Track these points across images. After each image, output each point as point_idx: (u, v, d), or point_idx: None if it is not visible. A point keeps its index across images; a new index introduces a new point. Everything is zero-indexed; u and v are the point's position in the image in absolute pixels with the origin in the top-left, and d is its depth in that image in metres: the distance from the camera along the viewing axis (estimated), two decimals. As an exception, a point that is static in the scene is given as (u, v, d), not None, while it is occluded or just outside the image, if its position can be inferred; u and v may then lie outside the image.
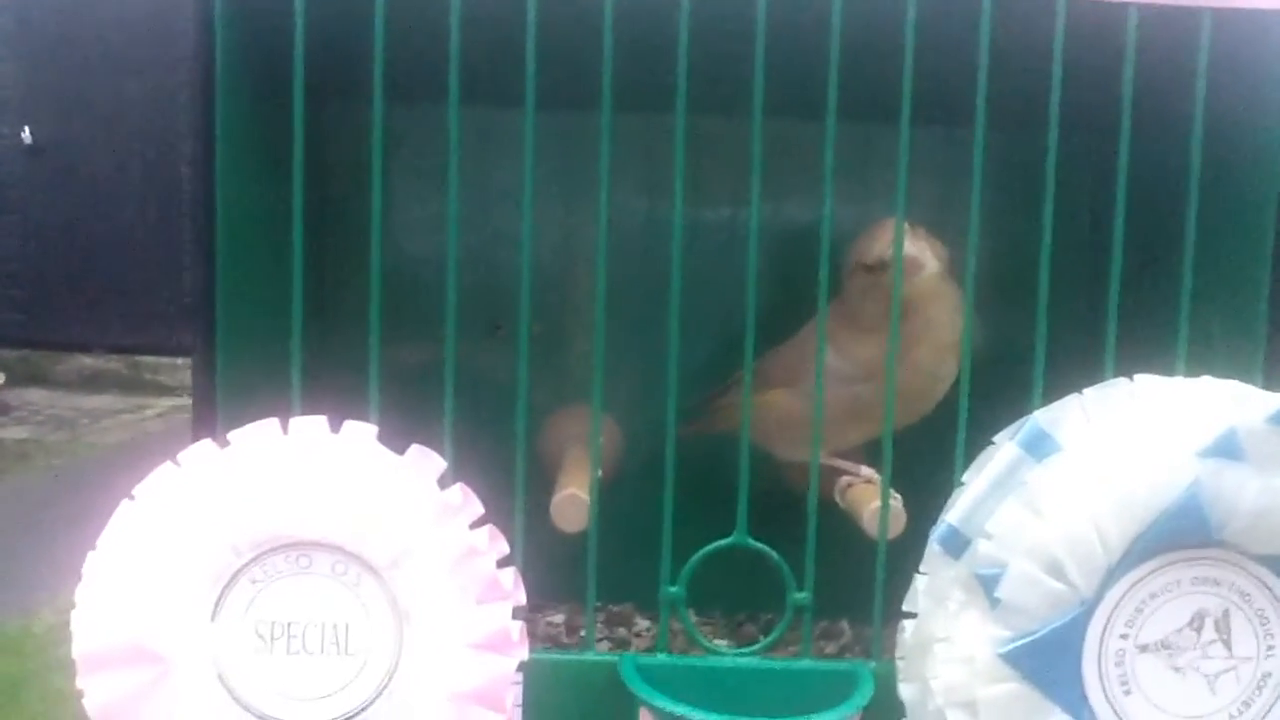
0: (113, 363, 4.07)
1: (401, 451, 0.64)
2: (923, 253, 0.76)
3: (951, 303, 0.78)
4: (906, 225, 0.75)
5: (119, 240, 4.02)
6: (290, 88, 0.66)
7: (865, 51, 0.67)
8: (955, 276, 0.77)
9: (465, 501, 0.64)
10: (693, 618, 0.94)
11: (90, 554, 0.61)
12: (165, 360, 3.87)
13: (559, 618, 0.94)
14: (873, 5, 0.67)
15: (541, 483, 0.78)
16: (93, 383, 4.07)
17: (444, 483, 0.64)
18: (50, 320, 4.14)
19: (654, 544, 0.70)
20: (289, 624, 0.62)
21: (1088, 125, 0.73)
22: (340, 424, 0.64)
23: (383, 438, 0.64)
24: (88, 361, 4.10)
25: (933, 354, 0.78)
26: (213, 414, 0.70)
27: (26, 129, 4.10)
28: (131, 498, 0.62)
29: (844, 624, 0.94)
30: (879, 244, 0.77)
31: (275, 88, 0.67)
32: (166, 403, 3.70)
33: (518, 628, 0.63)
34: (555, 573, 0.77)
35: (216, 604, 0.62)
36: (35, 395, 3.98)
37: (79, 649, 0.60)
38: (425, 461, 0.64)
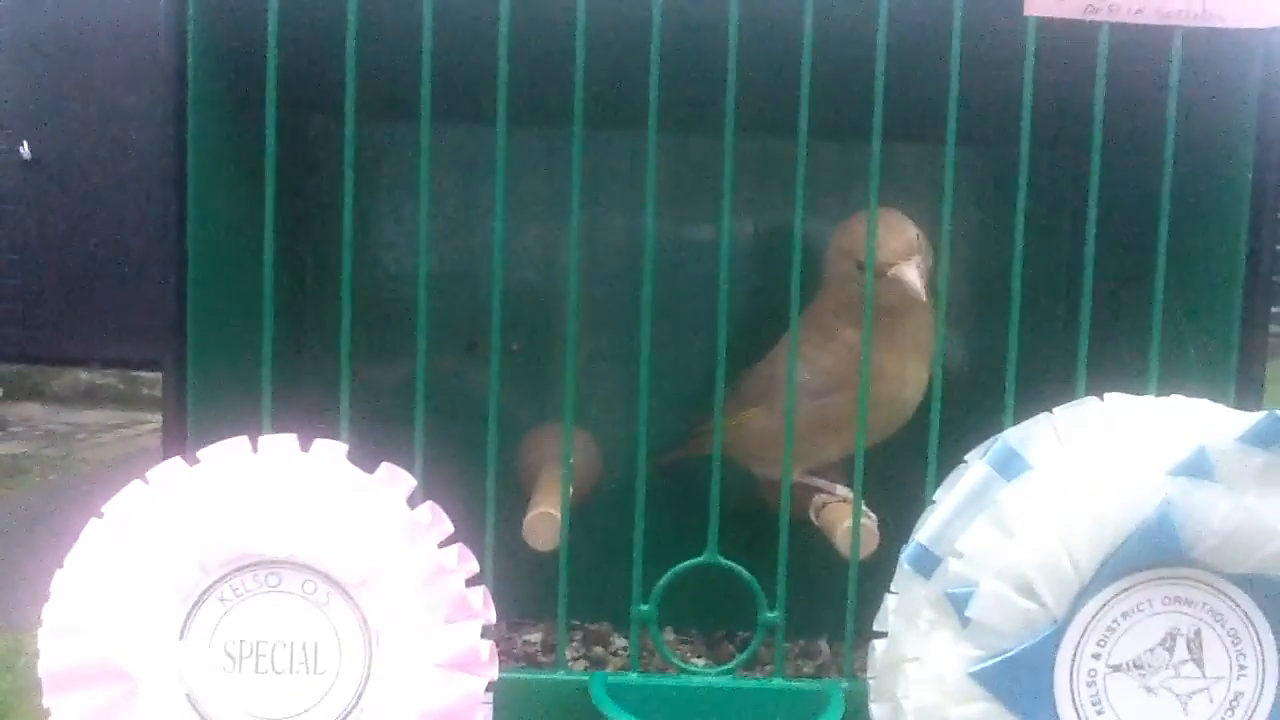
0: (109, 378, 4.06)
1: (374, 469, 0.64)
2: (917, 280, 0.75)
3: (925, 309, 0.78)
4: (914, 234, 0.75)
5: (116, 255, 4.02)
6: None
7: (843, 69, 0.68)
8: (931, 283, 0.76)
9: (434, 520, 0.64)
10: (669, 636, 0.94)
11: (58, 572, 0.61)
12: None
13: (536, 636, 0.93)
14: (847, 24, 0.67)
15: (518, 501, 0.78)
16: (89, 398, 4.07)
17: (414, 501, 0.64)
18: (47, 335, 4.14)
19: (630, 562, 0.70)
20: (258, 643, 0.62)
21: (1065, 142, 0.73)
22: (310, 442, 0.64)
23: (357, 455, 0.64)
24: (84, 376, 4.10)
25: (902, 360, 0.78)
26: (183, 431, 0.69)
27: (25, 144, 4.11)
28: (100, 515, 0.62)
29: (822, 643, 0.94)
30: (884, 250, 0.74)
31: (254, 103, 0.67)
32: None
33: (487, 647, 0.63)
34: (532, 591, 0.77)
35: (185, 622, 0.61)
36: (31, 410, 3.98)
37: (45, 667, 0.60)
38: (395, 480, 0.64)
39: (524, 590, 0.75)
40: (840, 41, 0.66)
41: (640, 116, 0.68)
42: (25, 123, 4.11)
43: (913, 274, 0.74)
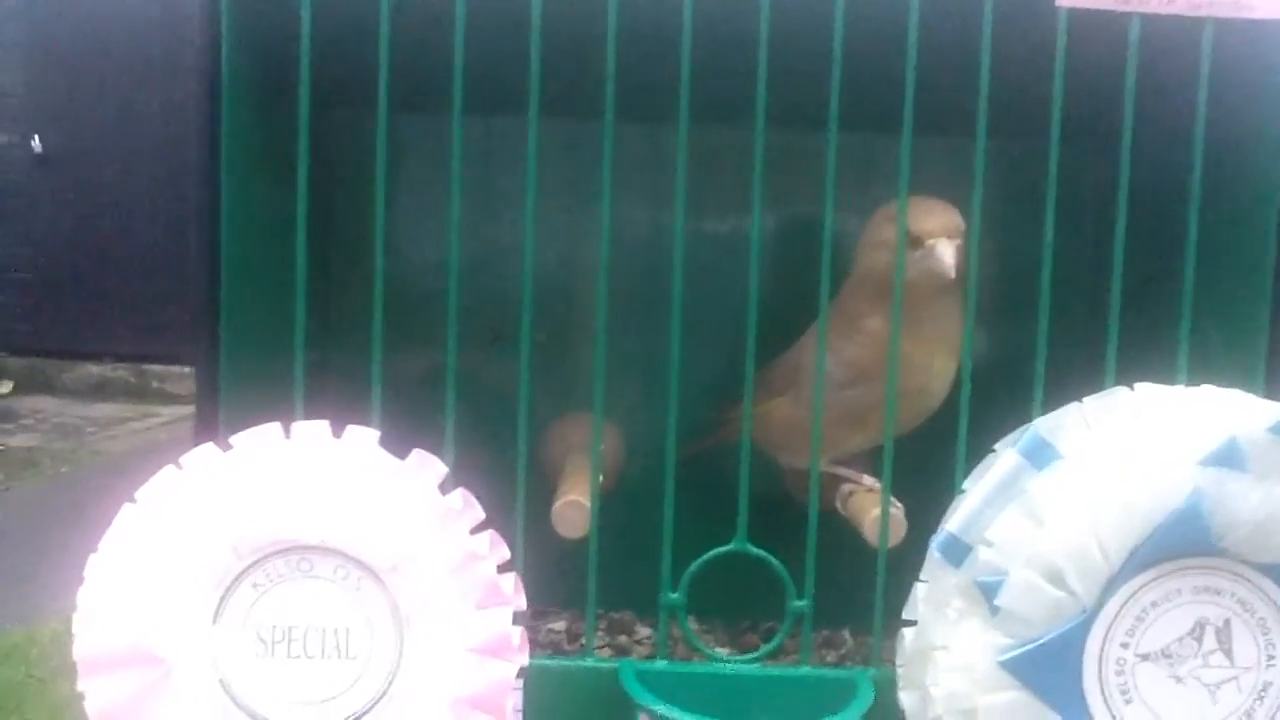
0: (120, 371, 4.07)
1: (403, 457, 0.64)
2: (950, 257, 0.75)
3: (954, 298, 0.78)
4: (959, 219, 0.75)
5: (127, 249, 4.03)
6: (296, 96, 0.66)
7: (869, 62, 0.68)
8: (962, 275, 0.76)
9: (466, 507, 0.64)
10: (693, 625, 0.94)
11: (92, 556, 0.62)
12: (173, 369, 3.87)
13: (560, 625, 0.94)
14: (875, 16, 0.67)
15: (544, 489, 0.78)
16: (100, 391, 4.08)
17: (445, 488, 0.64)
18: (58, 329, 4.15)
19: (656, 551, 0.70)
20: (290, 628, 0.62)
21: (1092, 134, 0.73)
22: (342, 429, 0.64)
23: (385, 443, 0.64)
24: (95, 370, 4.11)
25: (929, 351, 0.78)
26: (215, 418, 0.70)
27: (36, 138, 4.12)
28: (134, 501, 0.63)
29: (845, 633, 0.94)
30: (928, 222, 0.75)
31: (282, 96, 0.68)
32: (173, 411, 3.71)
33: (518, 633, 0.63)
34: (557, 579, 0.77)
35: (218, 607, 0.62)
36: (43, 403, 3.99)
37: (80, 651, 0.60)
38: (427, 466, 0.64)
39: (548, 579, 0.76)
40: (870, 34, 0.66)
41: (667, 109, 0.68)
42: (36, 117, 4.12)
43: (949, 251, 0.74)
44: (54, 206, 4.12)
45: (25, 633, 2.08)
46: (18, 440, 3.54)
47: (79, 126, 4.08)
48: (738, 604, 0.89)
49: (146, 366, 3.99)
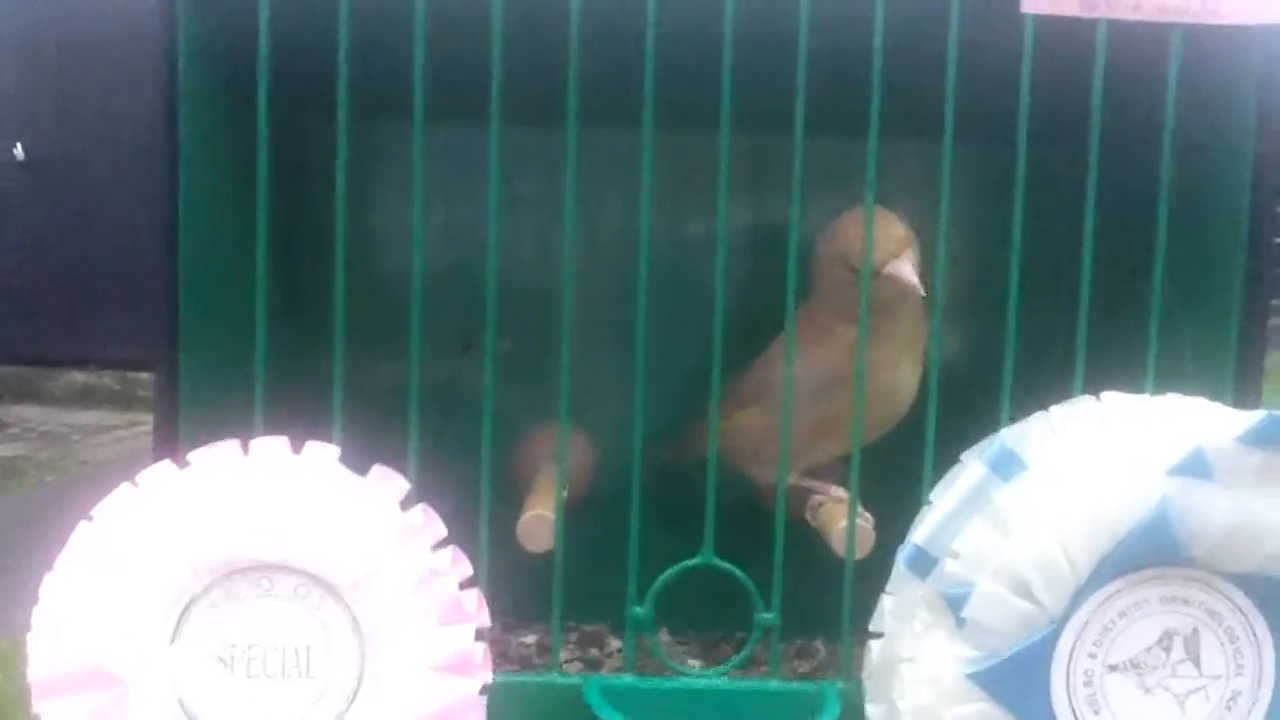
0: (106, 379, 4.06)
1: (366, 471, 0.63)
2: (912, 274, 0.75)
3: (916, 307, 0.77)
4: (903, 230, 0.75)
5: (112, 256, 4.01)
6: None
7: (839, 65, 0.67)
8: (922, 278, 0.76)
9: (428, 523, 0.63)
10: (665, 637, 0.94)
11: (47, 575, 0.61)
12: (159, 376, 3.86)
13: (531, 638, 0.93)
14: (844, 20, 0.66)
15: (513, 502, 0.78)
16: (86, 398, 4.06)
17: (407, 504, 0.63)
18: (43, 336, 4.13)
19: (626, 564, 0.69)
20: (250, 646, 0.61)
21: (1063, 138, 0.72)
22: (302, 444, 0.64)
23: (355, 455, 0.64)
24: (80, 378, 4.09)
25: (895, 358, 0.77)
26: (175, 434, 0.69)
27: (19, 145, 4.10)
28: (90, 519, 0.62)
29: (818, 643, 0.94)
30: (876, 250, 0.73)
31: (248, 104, 0.67)
32: (160, 419, 3.69)
33: (480, 650, 0.62)
34: (527, 593, 0.77)
35: (176, 626, 0.61)
36: (29, 411, 3.97)
37: (35, 673, 0.60)
38: (388, 483, 0.63)
39: (519, 592, 0.75)
40: (837, 38, 0.66)
41: (634, 113, 0.67)
42: (19, 124, 4.10)
43: (907, 269, 0.74)
44: (38, 214, 4.10)
45: (12, 643, 2.07)
46: (4, 449, 3.52)
47: (62, 134, 4.07)
48: (710, 615, 0.88)
49: (132, 374, 3.98)
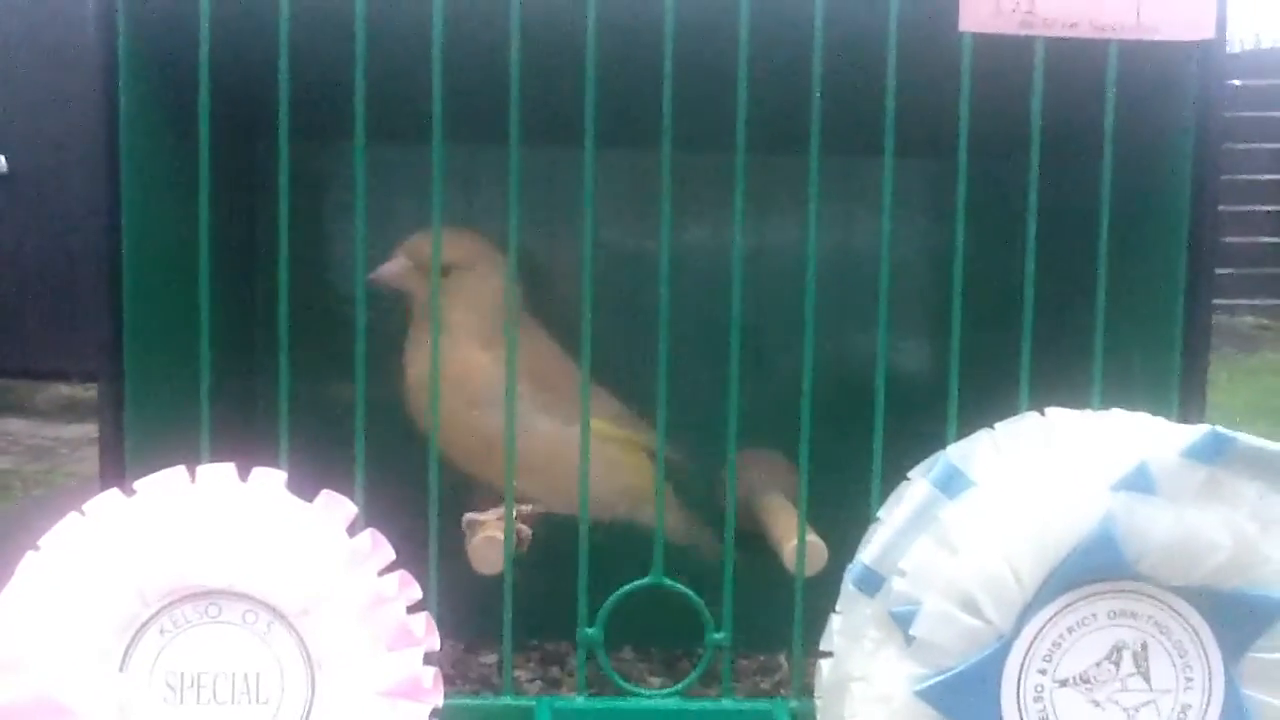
0: (91, 391, 4.04)
1: (314, 496, 0.63)
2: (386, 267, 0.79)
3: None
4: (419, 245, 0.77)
5: (96, 268, 4.01)
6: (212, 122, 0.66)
7: (783, 84, 0.67)
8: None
9: (375, 547, 0.63)
10: (628, 654, 0.94)
11: (-8, 606, 0.61)
12: (145, 387, 3.85)
13: (492, 658, 0.93)
14: (785, 39, 0.66)
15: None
16: (71, 411, 4.04)
17: (354, 529, 0.63)
18: (28, 349, 4.12)
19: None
20: (199, 674, 0.61)
21: (1010, 153, 0.73)
22: (249, 471, 0.64)
23: (307, 478, 0.64)
24: (65, 391, 4.08)
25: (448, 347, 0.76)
26: (121, 461, 0.69)
27: (2, 158, 4.09)
28: (37, 548, 0.62)
29: (781, 658, 0.94)
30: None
31: (195, 122, 0.67)
32: (146, 430, 3.68)
33: (430, 674, 0.62)
34: (488, 612, 0.76)
35: (125, 654, 0.61)
36: (14, 425, 3.95)
37: (-18, 702, 0.60)
38: (335, 508, 0.63)
39: (481, 612, 0.75)
40: (777, 53, 0.66)
41: (622, 135, 0.67)
42: (2, 136, 4.09)
43: (392, 265, 0.80)
44: (20, 226, 4.09)
45: None
46: (-9, 464, 3.51)
47: (45, 146, 4.06)
48: (670, 633, 0.88)
49: (117, 386, 3.98)
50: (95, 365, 0.67)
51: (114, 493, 0.63)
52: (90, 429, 3.89)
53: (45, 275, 4.11)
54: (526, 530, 0.77)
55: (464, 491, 0.81)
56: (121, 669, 0.61)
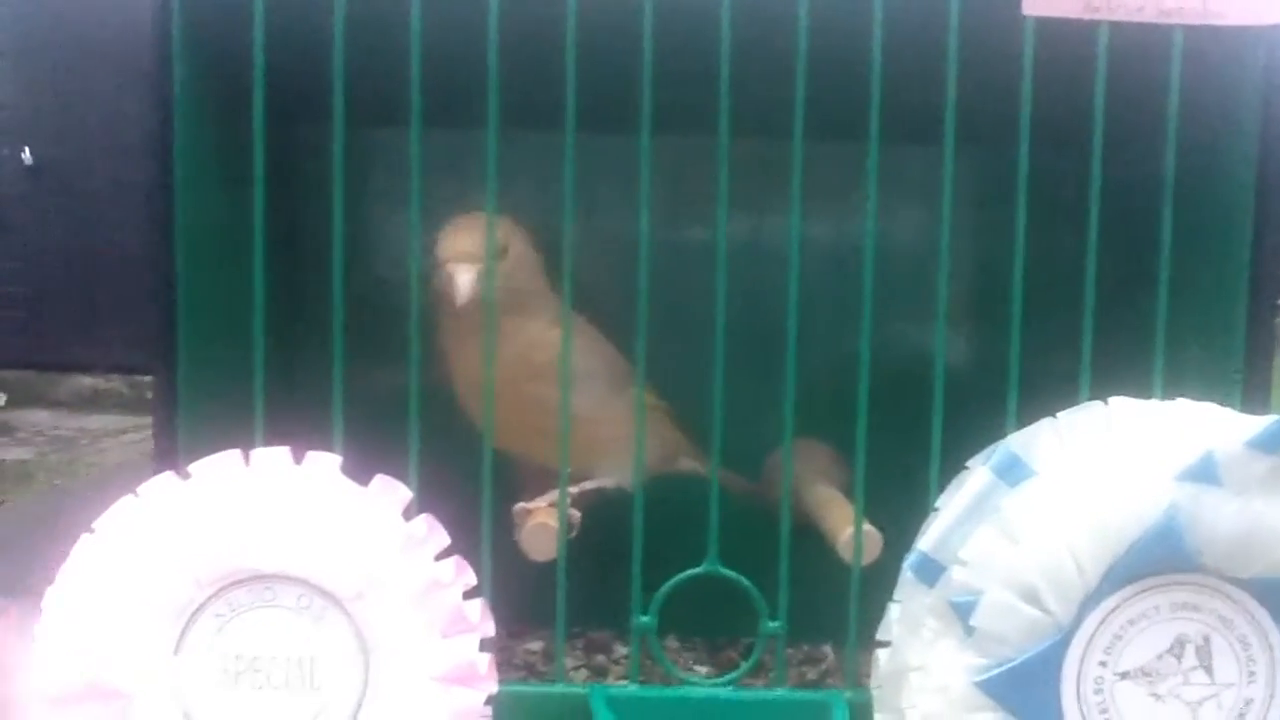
0: (114, 383, 4.06)
1: (367, 481, 0.63)
2: (465, 281, 0.74)
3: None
4: (474, 244, 0.74)
5: (120, 260, 4.01)
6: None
7: (839, 70, 0.67)
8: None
9: (430, 532, 0.63)
10: (673, 643, 0.93)
11: (49, 589, 0.61)
12: (167, 379, 3.87)
13: (536, 645, 0.92)
14: (844, 24, 0.66)
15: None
16: (94, 403, 4.06)
17: (409, 514, 0.63)
18: (51, 341, 4.14)
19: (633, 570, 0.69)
20: (253, 658, 0.61)
21: (1067, 141, 0.72)
22: (303, 455, 0.63)
23: (353, 464, 0.63)
24: (88, 382, 4.10)
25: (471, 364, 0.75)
26: (174, 444, 0.69)
27: (27, 150, 4.11)
28: (91, 531, 0.62)
29: (826, 648, 0.93)
30: (446, 250, 0.76)
31: (241, 112, 0.67)
32: (168, 422, 3.69)
33: (485, 660, 0.62)
34: (533, 599, 0.76)
35: (179, 638, 0.61)
36: (37, 416, 3.97)
37: (40, 685, 0.59)
38: (390, 492, 0.63)
39: (525, 598, 0.74)
40: (839, 42, 0.65)
41: (632, 119, 0.67)
42: (27, 129, 4.11)
43: (466, 277, 0.74)
44: (46, 219, 4.11)
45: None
46: (13, 454, 3.52)
47: (70, 138, 4.07)
48: (717, 622, 0.88)
49: (140, 378, 3.98)
50: (148, 349, 0.67)
51: (168, 475, 0.63)
52: (112, 420, 3.91)
53: (69, 268, 4.12)
54: (577, 514, 0.77)
55: (509, 479, 0.81)
56: (176, 653, 0.61)
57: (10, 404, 4.02)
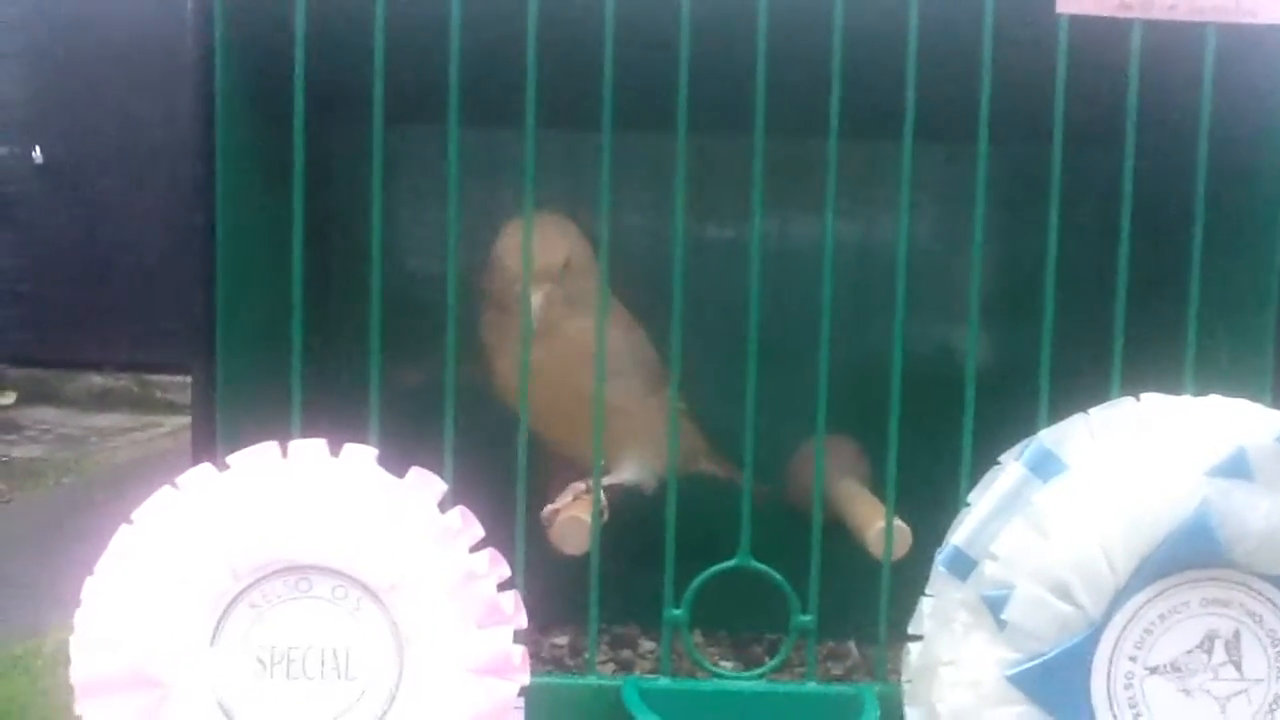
0: (123, 381, 4.06)
1: (403, 473, 0.63)
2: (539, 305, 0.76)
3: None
4: (551, 259, 0.76)
5: (129, 258, 4.02)
6: (292, 107, 0.66)
7: (870, 69, 0.67)
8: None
9: (465, 525, 0.63)
10: (697, 638, 0.94)
11: (88, 579, 0.61)
12: (175, 378, 3.86)
13: (563, 639, 0.93)
14: (876, 23, 0.66)
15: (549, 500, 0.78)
16: (103, 401, 4.06)
17: (444, 506, 0.63)
18: (60, 339, 4.14)
19: (660, 565, 0.69)
20: (289, 649, 0.61)
21: (1097, 139, 0.72)
22: (340, 446, 0.64)
23: (386, 457, 0.64)
24: (98, 380, 4.10)
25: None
26: (212, 436, 0.69)
27: (37, 148, 4.11)
28: (130, 522, 0.62)
29: (851, 645, 0.93)
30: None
31: (278, 108, 0.67)
32: (177, 421, 3.69)
33: (519, 652, 0.62)
34: (560, 594, 0.77)
35: (216, 628, 0.61)
36: (46, 414, 3.98)
37: (78, 674, 0.60)
38: (425, 484, 0.63)
39: (551, 593, 0.75)
40: (870, 41, 0.66)
41: (665, 118, 0.67)
42: (37, 127, 4.11)
43: (537, 298, 0.75)
44: (55, 217, 4.11)
45: (31, 644, 2.08)
46: (21, 451, 3.53)
47: (80, 136, 4.08)
48: (744, 616, 0.88)
49: (149, 376, 3.98)
50: (188, 344, 0.68)
51: (206, 467, 0.63)
52: (121, 418, 3.92)
53: (79, 266, 4.13)
54: (604, 502, 0.77)
55: (542, 473, 0.81)
56: (213, 643, 0.61)
57: (19, 402, 4.02)
